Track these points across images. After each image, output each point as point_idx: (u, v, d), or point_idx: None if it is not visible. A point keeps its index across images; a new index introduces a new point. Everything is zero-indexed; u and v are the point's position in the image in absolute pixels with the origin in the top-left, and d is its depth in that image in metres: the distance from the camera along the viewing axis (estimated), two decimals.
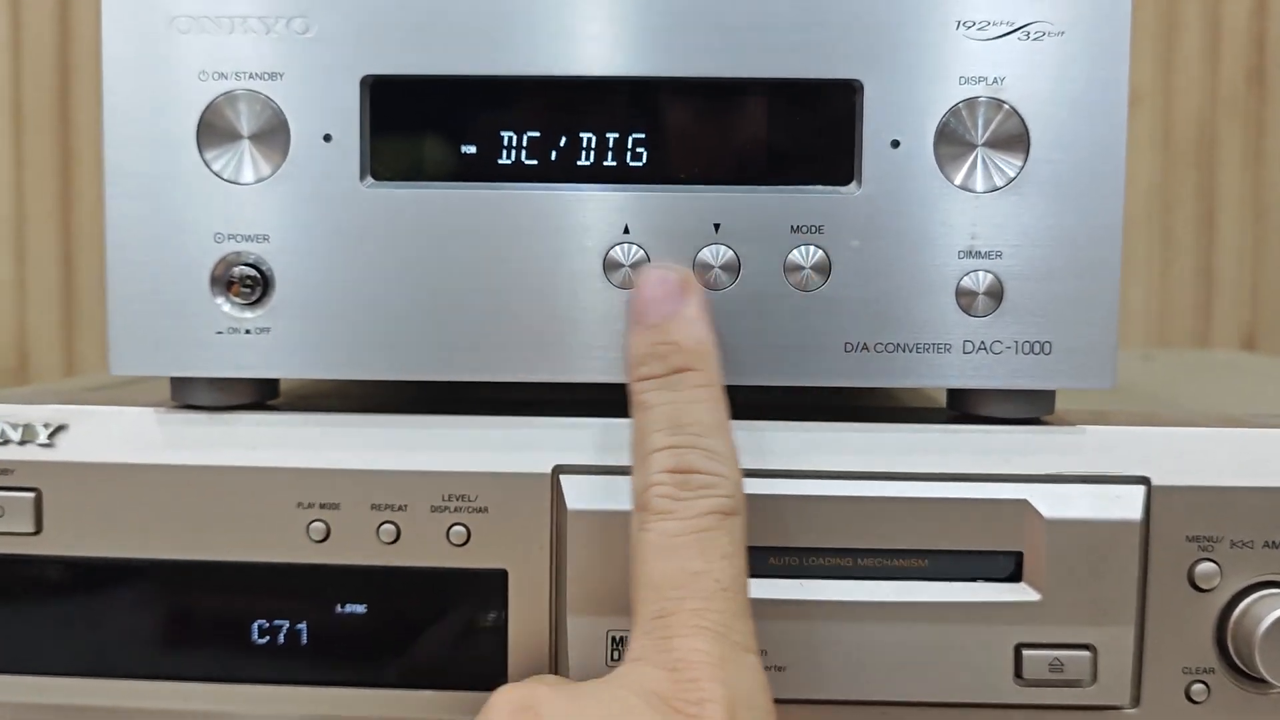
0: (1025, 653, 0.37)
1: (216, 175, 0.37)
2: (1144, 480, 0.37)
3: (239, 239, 0.37)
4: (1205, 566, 0.37)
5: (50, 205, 0.93)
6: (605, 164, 0.37)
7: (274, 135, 0.37)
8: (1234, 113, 0.92)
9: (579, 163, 0.38)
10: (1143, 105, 0.92)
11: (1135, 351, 0.78)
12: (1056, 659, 0.37)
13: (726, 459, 0.34)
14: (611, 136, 0.37)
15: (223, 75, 0.37)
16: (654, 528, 0.33)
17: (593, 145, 0.37)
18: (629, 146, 0.38)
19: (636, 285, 0.36)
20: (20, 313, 0.94)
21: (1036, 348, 0.37)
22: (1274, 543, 0.37)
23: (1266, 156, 0.93)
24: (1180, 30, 0.91)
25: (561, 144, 0.37)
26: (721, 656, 0.31)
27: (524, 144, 0.37)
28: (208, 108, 0.37)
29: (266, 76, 0.37)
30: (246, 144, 0.37)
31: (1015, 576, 0.37)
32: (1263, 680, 0.37)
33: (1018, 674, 0.37)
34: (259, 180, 0.37)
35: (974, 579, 0.37)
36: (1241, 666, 0.37)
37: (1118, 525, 0.37)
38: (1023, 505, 0.37)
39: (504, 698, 0.32)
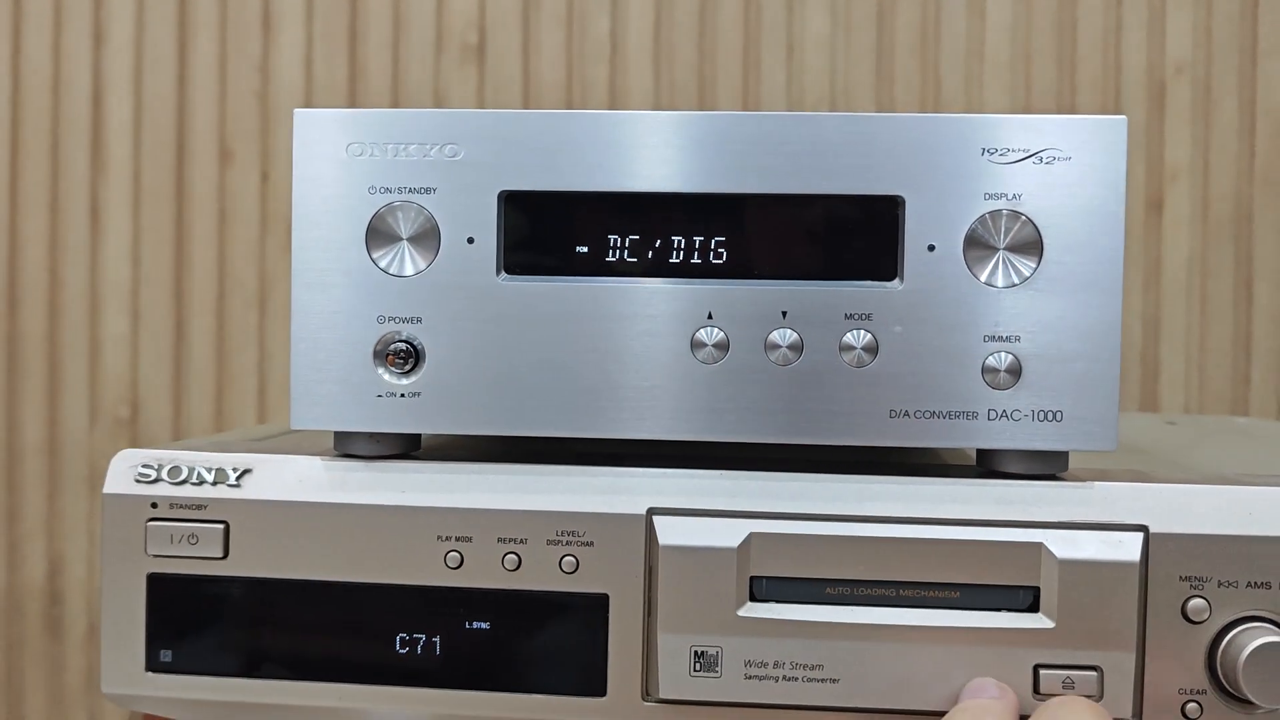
0: (1042, 672, 0.44)
1: (381, 270, 0.46)
2: (1143, 528, 0.45)
3: (397, 320, 0.46)
4: (1196, 602, 0.44)
5: (164, 271, 1.01)
6: (692, 262, 0.46)
7: (428, 238, 0.46)
8: (1269, 186, 0.96)
9: (671, 260, 0.46)
10: (1181, 181, 0.97)
11: (1162, 416, 0.84)
12: (1068, 678, 0.44)
13: None
14: (697, 239, 0.46)
15: (387, 190, 0.46)
16: None
17: (682, 246, 0.46)
18: (711, 248, 0.46)
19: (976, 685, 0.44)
20: (133, 368, 1.03)
21: (1050, 416, 0.45)
22: (1257, 583, 0.44)
23: None
24: (1217, 110, 0.96)
25: (657, 245, 0.46)
26: None
27: (626, 245, 0.46)
28: (375, 216, 0.46)
29: (423, 191, 0.46)
30: (405, 244, 0.46)
31: (1033, 607, 0.44)
32: (1248, 701, 0.44)
33: (1035, 690, 0.44)
34: (415, 273, 0.46)
35: (998, 609, 0.45)
36: (1229, 689, 0.44)
37: (1120, 566, 0.44)
38: (1039, 548, 0.44)
39: None
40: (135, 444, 1.02)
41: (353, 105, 1.00)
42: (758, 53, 0.98)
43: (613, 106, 0.98)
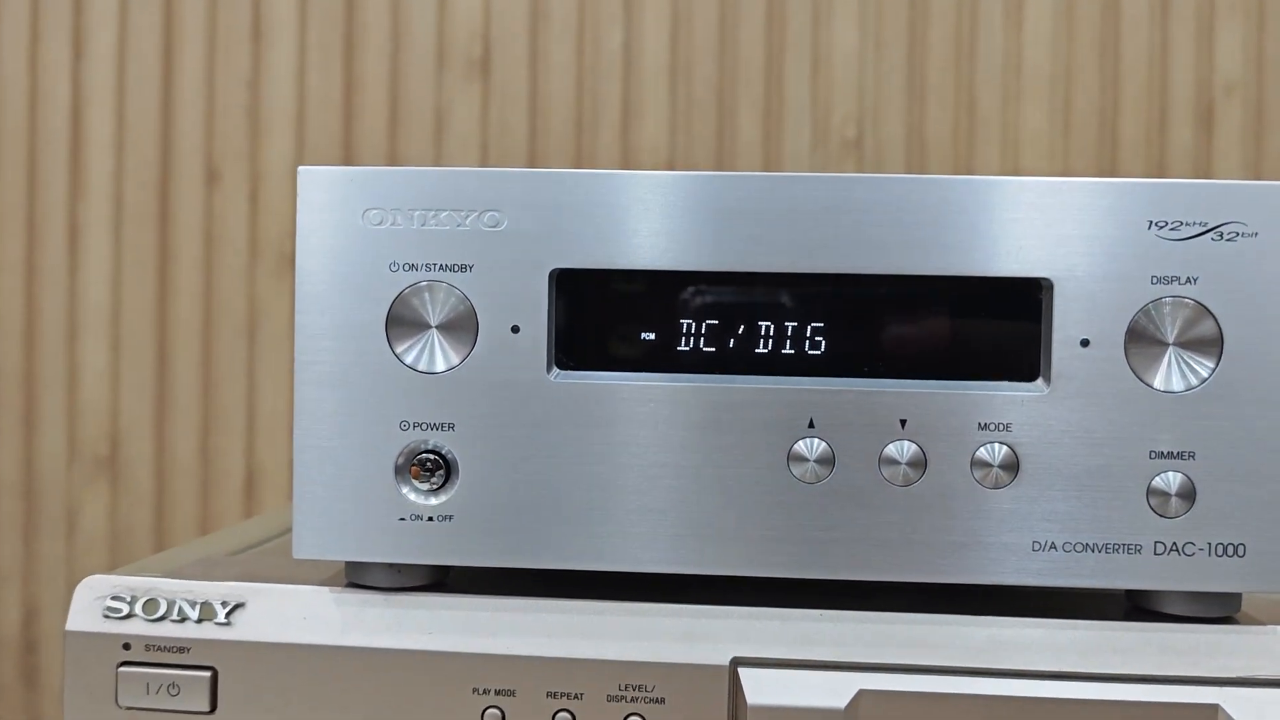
0: None
1: (406, 365, 0.37)
2: None
3: (424, 428, 0.37)
4: None
5: (147, 298, 0.95)
6: (784, 352, 0.37)
7: (462, 326, 0.37)
8: None
9: (758, 351, 0.38)
10: None
11: None
12: None
13: None
14: (789, 326, 0.38)
15: (413, 267, 0.37)
16: None
17: (771, 333, 0.38)
18: (808, 336, 0.38)
19: None
20: (114, 402, 0.96)
21: (1230, 550, 0.36)
22: None
23: None
24: (1269, 132, 0.91)
25: (740, 332, 0.38)
26: None
27: (704, 332, 0.38)
28: (397, 299, 0.37)
29: (457, 269, 0.37)
30: (435, 334, 0.37)
31: None
32: None
33: None
34: (447, 369, 0.37)
35: None
36: None
37: None
38: (1215, 710, 0.36)
39: None
40: (115, 484, 0.96)
41: (348, 122, 0.93)
42: (781, 67, 0.92)
43: (626, 126, 0.91)
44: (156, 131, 0.94)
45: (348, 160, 0.94)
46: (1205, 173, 0.92)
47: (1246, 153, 0.91)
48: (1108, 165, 0.92)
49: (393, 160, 0.94)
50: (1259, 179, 0.93)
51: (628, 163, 0.93)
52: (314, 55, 0.94)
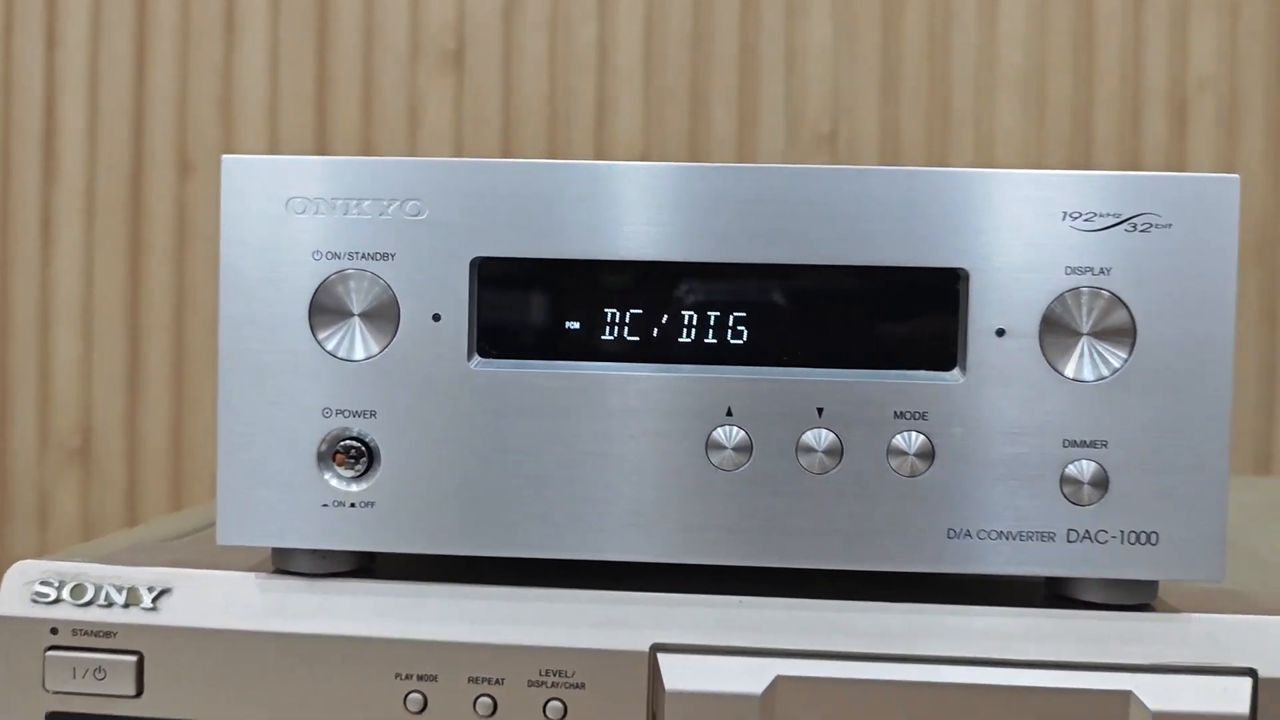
0: None
1: (327, 353, 0.37)
2: (1251, 672, 0.37)
3: (346, 415, 0.38)
4: None
5: (119, 287, 0.95)
6: (706, 342, 0.38)
7: (384, 314, 0.37)
8: None
9: (680, 340, 0.38)
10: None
11: (1277, 483, 0.77)
12: None
13: None
14: (712, 315, 0.38)
15: (335, 255, 0.37)
16: None
17: (694, 323, 0.38)
18: (730, 326, 0.38)
19: None
20: (86, 393, 0.96)
21: (1143, 538, 0.37)
22: None
23: None
24: (1242, 127, 0.91)
25: (663, 322, 0.38)
26: None
27: (627, 321, 0.38)
28: (320, 287, 0.37)
29: (378, 257, 0.37)
30: (357, 322, 0.38)
31: None
32: None
33: None
34: (368, 358, 0.38)
35: None
36: None
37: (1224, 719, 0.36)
38: (1127, 696, 0.37)
39: None
40: (87, 476, 0.96)
41: (321, 114, 0.93)
42: (756, 62, 0.92)
43: (600, 119, 0.92)
44: (129, 123, 0.94)
45: (321, 152, 0.94)
46: (1179, 166, 0.92)
47: (1220, 147, 0.92)
48: (1081, 160, 0.92)
49: (366, 152, 0.94)
50: (1232, 172, 0.93)
51: (602, 156, 0.93)
52: (287, 47, 0.94)
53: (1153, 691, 0.37)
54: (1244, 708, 0.36)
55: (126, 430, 0.96)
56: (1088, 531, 0.37)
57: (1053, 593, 0.39)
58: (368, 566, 0.40)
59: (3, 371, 0.96)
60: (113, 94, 0.95)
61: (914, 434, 0.37)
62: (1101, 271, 0.36)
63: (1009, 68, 0.92)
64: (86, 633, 0.39)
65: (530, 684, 0.38)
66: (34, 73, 0.95)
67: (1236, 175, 0.36)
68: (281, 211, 0.37)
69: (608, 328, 0.38)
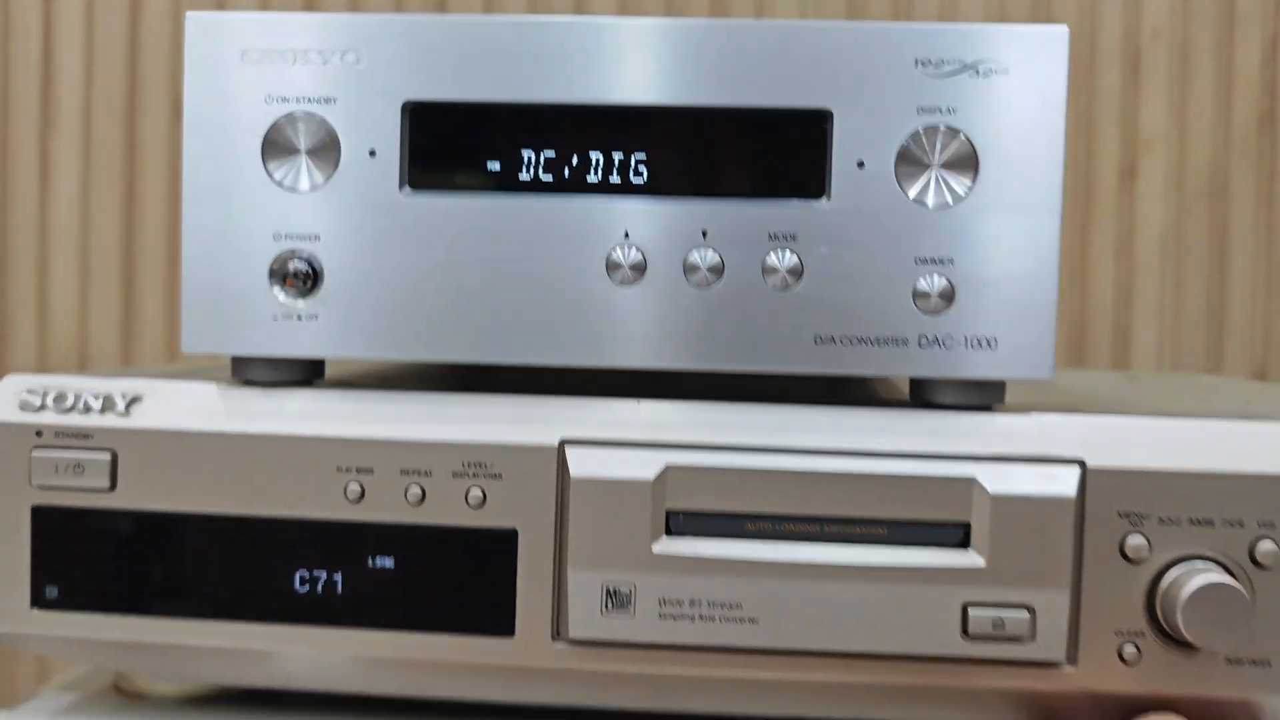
0: (971, 611, 0.42)
1: (277, 184, 0.43)
2: (1079, 462, 0.42)
3: (294, 238, 0.43)
4: (1135, 540, 0.42)
5: (114, 216, 0.99)
6: (610, 179, 0.43)
7: (327, 150, 0.43)
8: (1246, 156, 0.96)
9: (588, 178, 0.43)
10: (1156, 149, 0.96)
11: (1126, 374, 0.82)
12: (999, 618, 0.42)
13: None
14: (616, 156, 0.43)
15: (284, 99, 0.43)
16: None
17: (599, 163, 0.43)
18: (631, 164, 0.43)
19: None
20: (82, 322, 1.00)
21: (984, 343, 0.42)
22: (1199, 520, 0.42)
23: (1278, 199, 0.96)
24: (1193, 77, 0.94)
25: (574, 162, 0.43)
26: None
27: (541, 162, 0.43)
28: (271, 127, 0.43)
29: (322, 101, 0.43)
30: (303, 158, 0.43)
31: (964, 544, 0.42)
32: (1188, 644, 0.42)
33: (964, 630, 0.42)
34: (313, 189, 0.43)
35: (927, 545, 0.42)
36: (1169, 631, 0.42)
37: (1055, 501, 0.42)
38: (971, 482, 0.42)
39: None
40: None
41: None
42: None
43: (576, 8, 0.93)
44: (124, 65, 0.98)
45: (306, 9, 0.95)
46: (1132, 118, 0.96)
47: (1172, 96, 0.95)
48: None
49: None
50: (1183, 122, 0.97)
51: (583, 10, 0.94)
52: None
53: (993, 477, 0.42)
54: (1071, 492, 0.42)
55: (121, 358, 1.00)
56: (936, 337, 0.42)
57: (916, 397, 0.45)
58: (315, 378, 0.46)
59: (2, 304, 1.00)
60: (108, 36, 0.98)
61: (786, 252, 0.42)
62: (949, 111, 0.42)
63: (968, 17, 0.95)
64: (67, 434, 0.44)
65: (454, 475, 0.43)
66: (32, 15, 0.99)
67: (1065, 27, 0.42)
68: (237, 62, 0.43)
69: (525, 168, 0.43)
